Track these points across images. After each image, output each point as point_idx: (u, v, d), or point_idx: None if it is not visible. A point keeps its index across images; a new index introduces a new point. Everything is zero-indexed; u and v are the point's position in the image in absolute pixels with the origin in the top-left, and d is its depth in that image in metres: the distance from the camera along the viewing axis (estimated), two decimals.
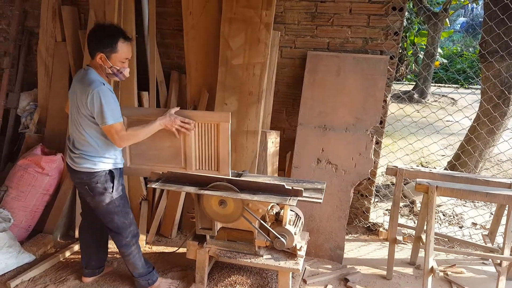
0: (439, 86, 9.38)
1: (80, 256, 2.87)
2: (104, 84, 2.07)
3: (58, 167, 3.13)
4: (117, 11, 3.12)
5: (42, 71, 3.47)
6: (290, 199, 2.09)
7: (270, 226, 2.32)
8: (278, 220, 2.38)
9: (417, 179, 2.59)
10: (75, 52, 3.38)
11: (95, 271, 2.63)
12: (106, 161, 2.20)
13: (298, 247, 2.39)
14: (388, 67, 2.91)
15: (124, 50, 2.10)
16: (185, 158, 2.40)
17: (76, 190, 3.13)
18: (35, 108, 3.56)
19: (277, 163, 3.17)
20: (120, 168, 2.30)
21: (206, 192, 2.19)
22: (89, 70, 2.11)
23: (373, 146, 2.93)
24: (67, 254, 2.90)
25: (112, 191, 2.23)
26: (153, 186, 2.29)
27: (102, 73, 2.14)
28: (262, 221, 2.30)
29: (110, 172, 2.22)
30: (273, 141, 3.06)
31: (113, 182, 2.23)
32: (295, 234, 2.32)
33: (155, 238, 3.16)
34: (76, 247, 2.97)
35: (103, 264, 2.68)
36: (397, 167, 2.73)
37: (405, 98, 7.12)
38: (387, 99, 3.05)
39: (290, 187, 2.13)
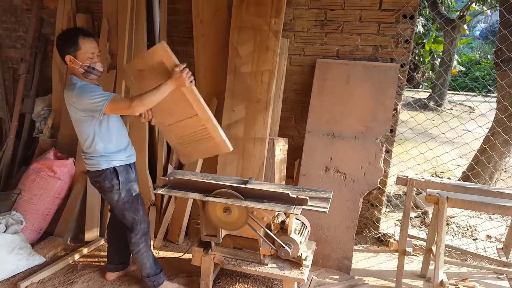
0: (456, 93, 9.21)
1: (89, 259, 2.93)
2: (81, 83, 2.17)
3: (70, 171, 3.19)
4: (129, 19, 3.19)
5: (56, 77, 3.56)
6: (294, 208, 2.07)
7: (275, 235, 2.30)
8: (283, 228, 2.36)
9: (428, 190, 2.54)
10: None
11: (119, 266, 2.70)
12: (108, 159, 2.27)
13: (303, 257, 2.36)
14: (399, 75, 2.87)
15: (87, 46, 2.15)
16: None
17: (86, 194, 3.19)
18: (49, 113, 3.65)
19: (285, 171, 3.15)
20: (124, 165, 2.33)
21: (210, 199, 2.19)
22: (72, 78, 2.21)
23: (383, 155, 2.88)
24: (76, 257, 2.94)
25: (120, 188, 2.30)
26: (159, 192, 2.30)
27: (78, 74, 2.20)
28: (267, 230, 2.28)
29: (114, 169, 2.28)
30: (281, 148, 3.05)
31: (118, 179, 2.29)
32: (300, 243, 2.29)
33: (162, 243, 3.17)
34: (85, 250, 3.01)
35: (127, 260, 2.74)
36: (407, 177, 2.67)
37: (419, 106, 7.01)
38: (398, 107, 3.00)
39: (295, 196, 2.11)
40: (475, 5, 8.17)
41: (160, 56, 2.14)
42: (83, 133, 2.23)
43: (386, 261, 3.07)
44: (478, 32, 17.35)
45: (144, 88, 2.21)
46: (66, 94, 2.18)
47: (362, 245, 3.28)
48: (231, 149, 2.33)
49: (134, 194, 2.37)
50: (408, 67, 2.94)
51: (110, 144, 2.27)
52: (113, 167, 2.28)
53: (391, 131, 3.01)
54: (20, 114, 3.77)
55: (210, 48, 3.13)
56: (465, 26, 8.54)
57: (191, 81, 2.14)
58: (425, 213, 3.78)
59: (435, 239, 2.57)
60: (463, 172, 4.00)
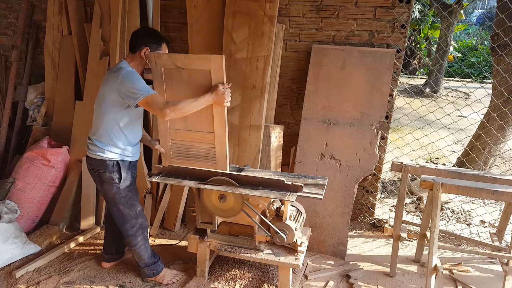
0: (452, 80, 9.20)
1: (85, 248, 2.94)
2: (131, 68, 2.20)
3: (64, 159, 3.17)
4: (122, 4, 3.12)
5: (49, 65, 3.50)
6: (289, 195, 2.07)
7: (270, 221, 2.31)
8: (278, 215, 2.36)
9: (422, 176, 2.55)
10: (81, 46, 3.39)
11: (115, 257, 2.71)
12: (115, 151, 2.26)
13: (298, 243, 2.37)
14: (395, 60, 2.85)
15: (165, 52, 2.31)
16: None
17: (81, 182, 3.18)
18: (42, 101, 3.60)
19: (281, 158, 3.15)
20: (129, 161, 2.34)
21: (205, 186, 2.19)
22: (122, 61, 2.24)
23: (378, 141, 2.88)
24: (72, 245, 2.94)
25: (119, 182, 2.29)
26: (154, 179, 2.29)
27: (137, 67, 2.25)
28: (262, 216, 2.28)
29: (117, 163, 2.27)
30: (277, 135, 3.04)
31: (120, 174, 2.28)
32: (295, 229, 2.30)
33: (158, 231, 3.18)
34: (81, 239, 3.01)
35: (123, 250, 2.75)
36: (402, 163, 2.67)
37: (414, 92, 7.00)
38: (394, 93, 2.99)
39: (290, 183, 2.11)
40: None
41: (211, 66, 2.11)
42: (106, 117, 2.20)
43: (380, 247, 3.10)
44: (475, 18, 17.25)
45: (168, 84, 2.22)
46: (109, 74, 2.19)
47: (357, 231, 3.31)
48: None
49: (132, 190, 2.36)
50: (404, 52, 2.92)
51: (124, 137, 2.26)
52: (117, 160, 2.27)
53: (387, 117, 3.00)
54: (12, 102, 3.71)
55: (204, 33, 3.09)
56: (462, 12, 8.46)
57: (227, 102, 2.17)
58: (419, 199, 3.80)
59: (429, 224, 2.59)
60: (458, 158, 4.02)
